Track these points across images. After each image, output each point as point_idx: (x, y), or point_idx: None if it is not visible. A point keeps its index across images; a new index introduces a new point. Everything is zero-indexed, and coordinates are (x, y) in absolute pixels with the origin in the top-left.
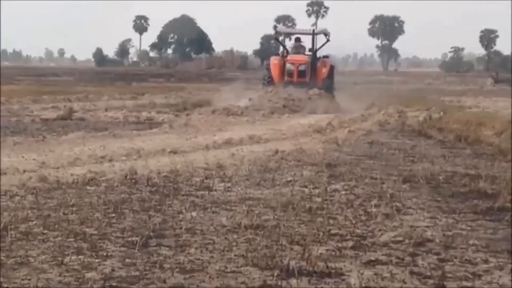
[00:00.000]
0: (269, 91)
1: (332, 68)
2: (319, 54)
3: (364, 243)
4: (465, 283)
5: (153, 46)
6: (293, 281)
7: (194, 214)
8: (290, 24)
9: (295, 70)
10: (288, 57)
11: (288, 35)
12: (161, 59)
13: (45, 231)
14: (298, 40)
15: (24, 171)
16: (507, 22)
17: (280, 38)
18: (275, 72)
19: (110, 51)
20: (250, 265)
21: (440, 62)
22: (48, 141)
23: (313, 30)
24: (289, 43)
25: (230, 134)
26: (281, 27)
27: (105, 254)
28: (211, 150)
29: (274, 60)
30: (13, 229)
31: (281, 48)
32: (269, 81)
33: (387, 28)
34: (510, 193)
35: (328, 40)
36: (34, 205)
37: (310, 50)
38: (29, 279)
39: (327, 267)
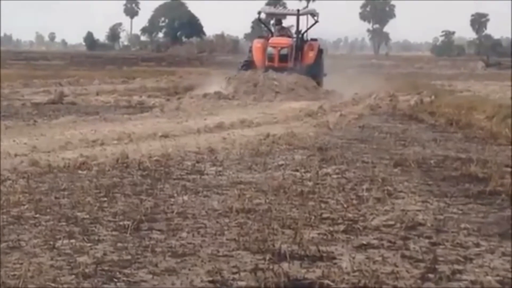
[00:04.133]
0: (243, 77)
1: (320, 52)
2: (309, 37)
3: (355, 227)
4: (456, 267)
5: (144, 30)
6: (285, 265)
7: (185, 198)
8: (280, 8)
9: (276, 54)
10: (270, 40)
11: (272, 15)
12: (152, 43)
13: (37, 215)
14: (279, 22)
15: (15, 155)
16: (497, 5)
17: (272, 22)
18: (257, 56)
19: (101, 35)
20: (242, 249)
21: (431, 46)
22: (39, 125)
23: (298, 10)
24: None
25: (221, 118)
26: (264, 7)
27: (96, 238)
28: (202, 134)
29: (257, 43)
30: (4, 213)
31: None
32: (247, 65)
33: (378, 12)
34: (501, 177)
35: (316, 22)
36: (25, 189)
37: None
38: (21, 263)
39: (319, 250)
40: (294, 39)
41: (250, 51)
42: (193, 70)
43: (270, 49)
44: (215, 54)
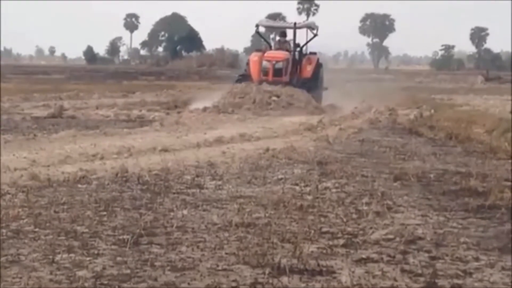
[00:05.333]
0: (235, 91)
1: (318, 66)
2: (308, 50)
3: (355, 241)
4: (456, 281)
5: (144, 44)
6: (285, 279)
7: (185, 212)
8: (280, 22)
9: (271, 67)
10: (265, 54)
11: (270, 29)
12: (152, 57)
13: (36, 229)
14: (283, 35)
15: (15, 169)
16: (497, 19)
17: (271, 35)
18: (254, 70)
19: (101, 49)
20: (242, 263)
21: (431, 60)
22: (39, 139)
23: (295, 24)
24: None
25: (221, 132)
26: (261, 20)
27: (96, 252)
28: (202, 148)
29: (254, 57)
30: (4, 227)
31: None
32: (242, 78)
33: (378, 26)
34: (500, 191)
35: (315, 35)
36: (25, 203)
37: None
38: (20, 278)
39: (318, 265)
40: (291, 53)
41: (248, 64)
42: (193, 84)
43: (265, 63)
44: (214, 68)
